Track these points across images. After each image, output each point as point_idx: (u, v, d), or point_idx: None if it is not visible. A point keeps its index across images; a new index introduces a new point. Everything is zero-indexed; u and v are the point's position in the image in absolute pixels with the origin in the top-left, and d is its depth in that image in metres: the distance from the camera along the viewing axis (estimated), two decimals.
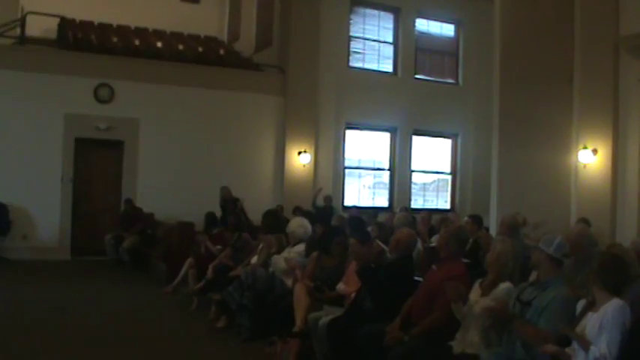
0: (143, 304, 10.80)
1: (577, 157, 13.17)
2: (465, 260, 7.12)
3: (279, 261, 8.60)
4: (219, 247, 11.07)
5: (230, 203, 14.38)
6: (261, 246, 9.35)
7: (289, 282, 8.27)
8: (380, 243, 8.42)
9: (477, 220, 9.92)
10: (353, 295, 6.83)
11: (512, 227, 8.35)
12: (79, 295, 11.13)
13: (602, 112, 12.89)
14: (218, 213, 13.94)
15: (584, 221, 11.20)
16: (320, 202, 16.52)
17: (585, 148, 12.97)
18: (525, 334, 4.59)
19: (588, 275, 4.49)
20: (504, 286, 5.13)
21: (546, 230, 6.86)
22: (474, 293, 5.32)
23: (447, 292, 5.18)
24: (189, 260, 11.07)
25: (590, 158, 12.98)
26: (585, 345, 4.11)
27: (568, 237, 5.75)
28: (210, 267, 10.31)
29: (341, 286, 7.25)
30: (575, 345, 4.24)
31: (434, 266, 6.10)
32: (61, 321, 9.08)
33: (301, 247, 8.60)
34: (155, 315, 9.89)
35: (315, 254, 8.06)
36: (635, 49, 12.52)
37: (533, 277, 5.85)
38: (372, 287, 6.43)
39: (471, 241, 9.17)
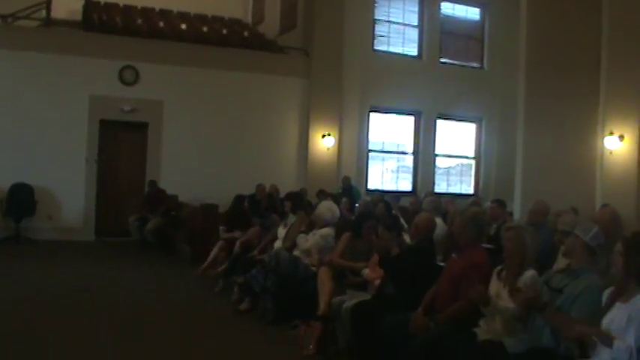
0: (167, 285, 10.87)
1: (603, 143, 13.04)
2: (489, 246, 7.10)
3: (302, 240, 8.70)
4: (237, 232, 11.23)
5: (266, 198, 14.27)
6: (287, 227, 9.42)
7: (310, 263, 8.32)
8: (403, 222, 8.49)
9: (502, 205, 9.90)
10: (378, 282, 6.82)
11: (543, 214, 8.33)
12: (104, 276, 11.23)
13: (629, 97, 12.71)
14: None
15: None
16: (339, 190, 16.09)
17: (612, 134, 12.84)
18: (557, 322, 4.53)
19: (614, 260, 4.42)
20: (530, 274, 5.06)
21: (573, 218, 6.76)
22: (494, 284, 5.26)
23: (470, 295, 5.16)
24: (220, 243, 11.10)
25: (617, 144, 12.84)
26: (608, 341, 4.03)
27: (599, 219, 5.68)
28: (238, 242, 10.48)
29: (366, 271, 7.23)
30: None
31: (454, 255, 6.06)
32: (85, 301, 9.17)
33: (326, 230, 8.60)
34: (179, 297, 9.93)
35: (347, 234, 8.05)
36: None
37: (557, 264, 5.82)
38: (394, 273, 6.44)
39: (495, 225, 9.15)
